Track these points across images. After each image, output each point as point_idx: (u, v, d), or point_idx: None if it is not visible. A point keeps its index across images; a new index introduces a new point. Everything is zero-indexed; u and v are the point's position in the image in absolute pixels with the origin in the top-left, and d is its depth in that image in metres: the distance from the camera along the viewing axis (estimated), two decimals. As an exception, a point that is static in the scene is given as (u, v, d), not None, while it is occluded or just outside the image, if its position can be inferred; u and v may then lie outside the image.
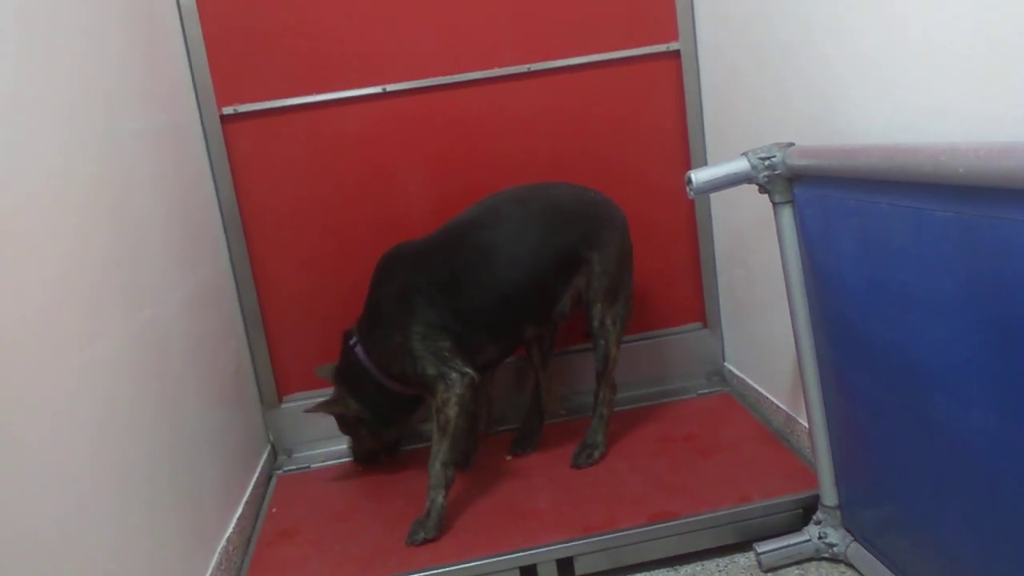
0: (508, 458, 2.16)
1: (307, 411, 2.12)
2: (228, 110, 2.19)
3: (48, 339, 1.18)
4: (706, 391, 2.43)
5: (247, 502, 2.01)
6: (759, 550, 1.66)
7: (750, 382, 2.30)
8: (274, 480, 2.24)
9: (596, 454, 2.05)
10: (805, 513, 1.74)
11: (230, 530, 1.84)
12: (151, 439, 1.50)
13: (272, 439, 2.38)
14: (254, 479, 2.13)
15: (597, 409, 2.08)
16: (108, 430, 1.33)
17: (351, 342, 2.04)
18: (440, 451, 1.82)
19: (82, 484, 1.21)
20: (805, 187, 1.50)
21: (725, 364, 2.47)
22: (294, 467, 2.31)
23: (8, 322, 1.08)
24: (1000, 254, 1.03)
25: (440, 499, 1.80)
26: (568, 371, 2.39)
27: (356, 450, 2.23)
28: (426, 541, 1.77)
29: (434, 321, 1.88)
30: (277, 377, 2.36)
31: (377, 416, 2.09)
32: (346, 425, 2.17)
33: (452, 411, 1.83)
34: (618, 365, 2.08)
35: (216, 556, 1.72)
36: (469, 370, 1.86)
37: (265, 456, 2.30)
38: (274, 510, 2.07)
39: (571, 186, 2.09)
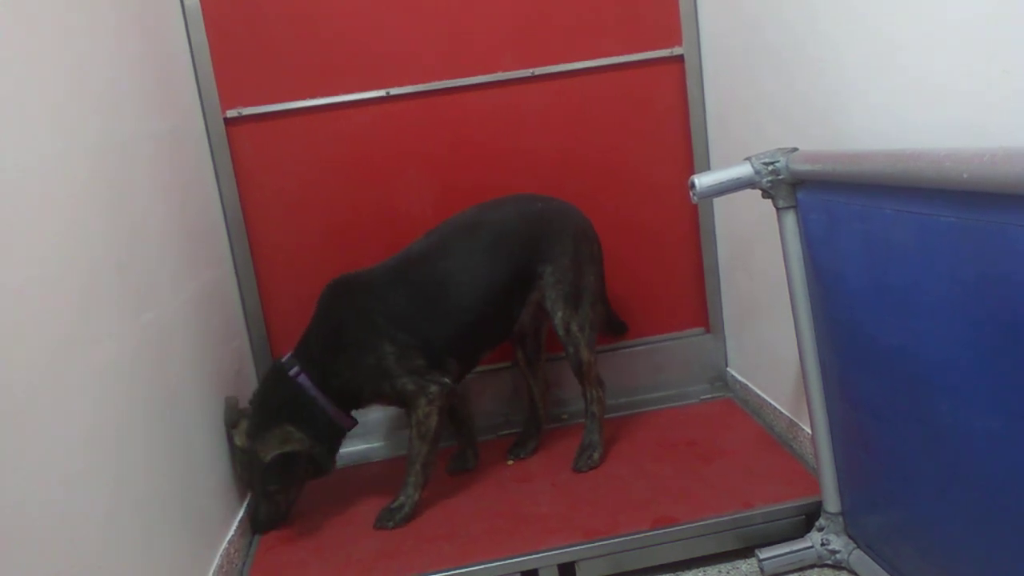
0: (510, 463, 2.16)
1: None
2: (232, 113, 2.19)
3: (49, 341, 1.18)
4: (709, 396, 2.42)
5: (248, 505, 2.01)
6: (761, 556, 1.66)
7: (753, 387, 2.29)
8: (276, 483, 2.24)
9: (596, 455, 2.05)
10: (808, 519, 1.73)
11: (231, 533, 1.84)
12: (152, 441, 1.50)
13: (274, 442, 2.37)
14: (256, 482, 2.13)
15: (588, 409, 2.09)
16: (109, 432, 1.33)
17: (291, 372, 1.92)
18: (422, 455, 1.93)
19: (82, 486, 1.21)
20: (808, 192, 1.50)
21: (728, 369, 2.47)
22: (296, 470, 2.30)
23: (4, 324, 1.08)
24: (1003, 259, 1.02)
25: (417, 496, 1.94)
26: (567, 375, 2.38)
27: (267, 512, 1.94)
28: (393, 528, 1.89)
29: (405, 341, 1.90)
30: (279, 380, 2.36)
31: (325, 450, 1.95)
32: (262, 474, 1.88)
33: (434, 421, 1.91)
34: (604, 366, 2.10)
35: (217, 559, 1.72)
36: (446, 380, 1.94)
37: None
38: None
39: (516, 201, 2.09)
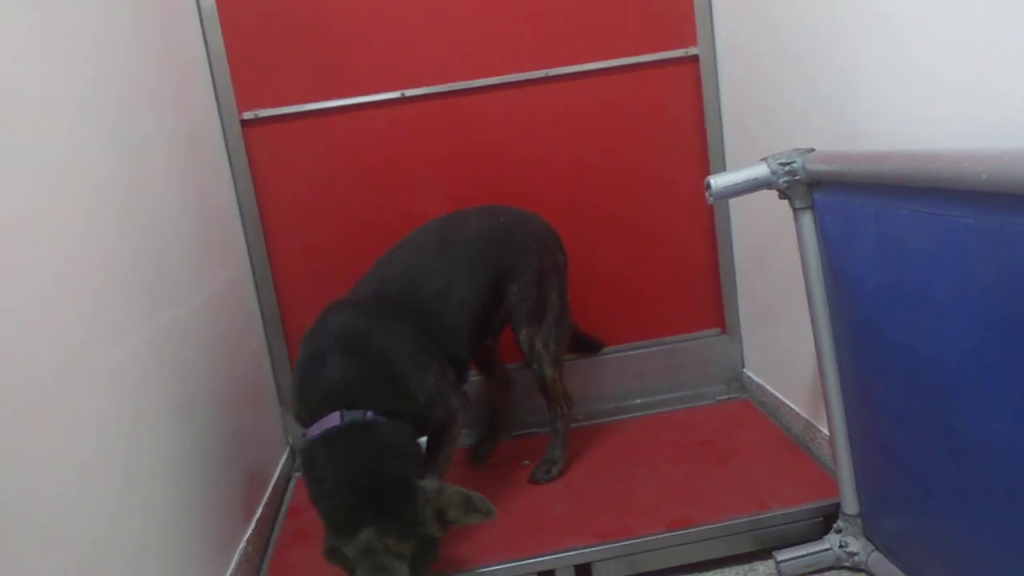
0: (525, 463, 2.16)
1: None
2: (248, 114, 2.21)
3: (65, 340, 1.19)
4: (725, 397, 2.41)
5: (266, 504, 2.02)
6: (779, 559, 1.65)
7: (769, 389, 2.28)
8: (293, 482, 2.26)
9: (554, 470, 2.04)
10: (826, 521, 1.72)
11: (249, 532, 1.85)
12: (170, 441, 1.51)
13: (291, 441, 2.39)
14: (273, 481, 2.14)
15: (553, 424, 2.07)
16: (126, 432, 1.34)
17: (369, 417, 1.54)
18: (442, 471, 1.79)
19: (93, 484, 1.22)
20: (825, 193, 1.49)
21: (744, 370, 2.46)
22: (312, 470, 2.31)
23: (22, 323, 1.09)
24: (1022, 260, 1.01)
25: None
26: (587, 378, 2.39)
27: None
28: None
29: (440, 356, 1.78)
30: (296, 380, 2.37)
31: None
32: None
33: (458, 436, 1.83)
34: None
35: (236, 557, 1.73)
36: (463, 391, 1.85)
37: (284, 458, 2.31)
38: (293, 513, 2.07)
39: (480, 215, 2.01)
